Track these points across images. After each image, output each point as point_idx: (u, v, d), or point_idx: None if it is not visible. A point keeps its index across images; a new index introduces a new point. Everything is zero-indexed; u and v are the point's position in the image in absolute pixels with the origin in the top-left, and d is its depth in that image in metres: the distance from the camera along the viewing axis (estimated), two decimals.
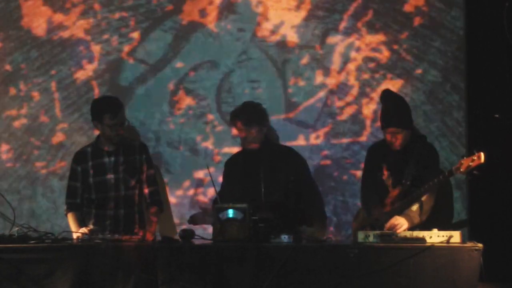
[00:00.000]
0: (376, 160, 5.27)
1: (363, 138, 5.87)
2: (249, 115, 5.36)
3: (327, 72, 5.93)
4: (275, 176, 5.30)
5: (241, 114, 5.37)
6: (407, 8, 5.93)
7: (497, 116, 5.50)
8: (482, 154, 4.59)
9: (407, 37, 5.93)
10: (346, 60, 5.93)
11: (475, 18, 5.82)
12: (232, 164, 5.55)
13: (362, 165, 5.52)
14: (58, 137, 6.01)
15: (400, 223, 4.82)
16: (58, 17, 6.02)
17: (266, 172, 5.27)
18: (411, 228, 4.80)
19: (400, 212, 4.93)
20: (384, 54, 5.94)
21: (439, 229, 4.56)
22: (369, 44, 5.94)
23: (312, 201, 5.50)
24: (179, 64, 6.01)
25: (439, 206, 5.12)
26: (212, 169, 5.54)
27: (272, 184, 5.25)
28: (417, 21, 5.93)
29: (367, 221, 5.14)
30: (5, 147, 6.02)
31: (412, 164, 5.08)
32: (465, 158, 4.70)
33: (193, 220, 5.39)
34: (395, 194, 5.07)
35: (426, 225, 4.84)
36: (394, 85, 5.87)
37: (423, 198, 4.95)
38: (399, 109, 5.16)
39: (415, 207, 4.93)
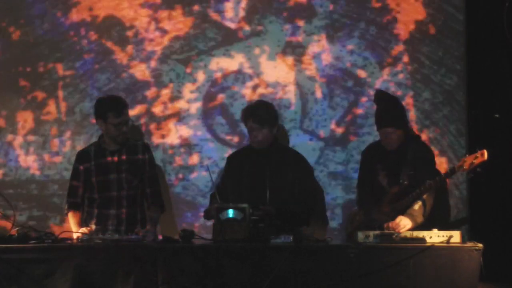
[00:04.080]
0: (372, 161, 5.27)
1: None
2: (262, 115, 5.32)
3: None
4: (281, 178, 5.30)
5: (254, 113, 5.34)
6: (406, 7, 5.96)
7: (497, 116, 5.51)
8: (485, 152, 4.59)
9: (407, 37, 5.94)
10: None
11: (475, 18, 5.82)
12: (236, 160, 5.53)
13: None
14: None
15: (404, 223, 4.82)
16: None
17: (272, 173, 5.28)
18: (414, 227, 4.80)
19: (401, 212, 4.93)
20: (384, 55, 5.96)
21: (439, 229, 4.56)
22: (368, 44, 5.97)
23: (315, 205, 5.49)
24: None
25: (437, 204, 5.11)
26: None
27: (277, 186, 5.25)
28: (416, 21, 5.94)
29: (363, 222, 5.13)
30: None
31: (407, 164, 5.07)
32: (468, 155, 4.70)
33: (207, 214, 5.36)
34: (392, 195, 5.06)
35: (425, 224, 4.83)
36: (393, 84, 5.90)
37: (424, 197, 4.94)
38: (393, 109, 5.16)
39: (417, 207, 4.92)
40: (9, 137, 6.07)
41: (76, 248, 4.57)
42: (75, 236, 4.91)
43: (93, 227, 5.21)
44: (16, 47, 6.09)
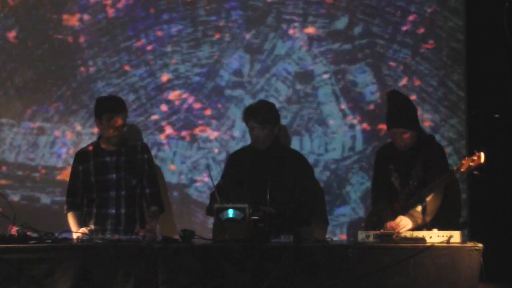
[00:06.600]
0: (385, 162, 5.24)
1: None
2: (264, 114, 5.32)
3: None
4: (282, 178, 5.30)
5: (255, 112, 5.33)
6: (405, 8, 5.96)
7: (497, 116, 5.51)
8: (482, 154, 4.59)
9: (407, 37, 5.94)
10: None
11: (475, 18, 5.82)
12: (237, 159, 5.53)
13: None
14: None
15: (404, 223, 4.81)
16: None
17: (273, 173, 5.28)
18: (415, 228, 4.79)
19: (404, 212, 4.92)
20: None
21: (440, 229, 4.56)
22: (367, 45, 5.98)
23: (315, 205, 5.49)
24: None
25: (446, 206, 5.08)
26: None
27: (278, 186, 5.25)
28: (416, 21, 5.94)
29: (376, 223, 5.11)
30: None
31: (418, 165, 5.06)
32: (466, 158, 4.71)
33: (210, 211, 5.35)
34: (404, 196, 5.04)
35: (433, 225, 4.80)
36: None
37: (428, 199, 4.92)
38: (403, 110, 5.14)
39: (419, 208, 4.91)
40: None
41: (76, 248, 4.57)
42: (75, 236, 4.92)
43: (92, 227, 5.21)
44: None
